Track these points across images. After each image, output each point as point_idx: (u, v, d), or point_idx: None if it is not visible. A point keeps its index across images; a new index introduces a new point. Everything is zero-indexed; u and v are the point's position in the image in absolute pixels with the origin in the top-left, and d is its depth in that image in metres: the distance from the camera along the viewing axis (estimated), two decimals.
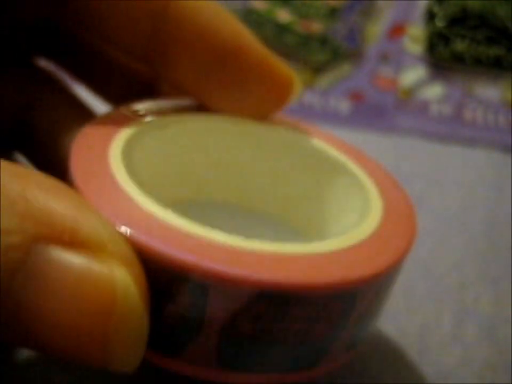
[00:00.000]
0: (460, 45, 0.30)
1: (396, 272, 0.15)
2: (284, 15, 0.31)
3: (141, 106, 0.18)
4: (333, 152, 0.18)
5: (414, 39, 0.31)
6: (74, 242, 0.12)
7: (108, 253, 0.12)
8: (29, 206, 0.12)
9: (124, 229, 0.13)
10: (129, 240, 0.13)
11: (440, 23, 0.30)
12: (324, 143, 0.18)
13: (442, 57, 0.30)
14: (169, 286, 0.13)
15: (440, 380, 0.21)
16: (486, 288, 0.24)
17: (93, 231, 0.12)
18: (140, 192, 0.14)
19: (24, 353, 0.19)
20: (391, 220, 0.16)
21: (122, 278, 0.12)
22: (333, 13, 0.30)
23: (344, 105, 0.30)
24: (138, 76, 0.22)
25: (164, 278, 0.13)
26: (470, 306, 0.23)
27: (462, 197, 0.27)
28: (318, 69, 0.30)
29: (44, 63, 0.21)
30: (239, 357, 0.14)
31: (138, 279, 0.13)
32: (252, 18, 0.31)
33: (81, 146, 0.15)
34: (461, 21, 0.30)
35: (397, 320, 0.23)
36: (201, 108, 0.18)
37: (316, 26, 0.30)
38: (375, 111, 0.30)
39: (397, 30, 0.31)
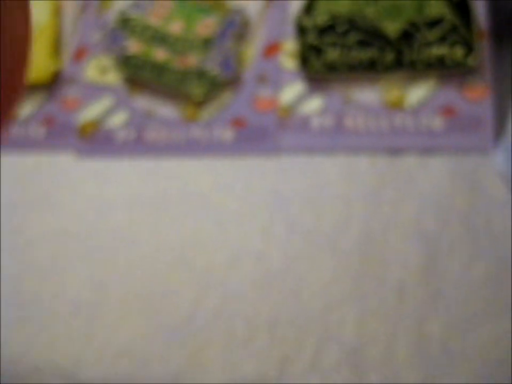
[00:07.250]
0: (331, 54, 0.29)
1: None
2: (160, 55, 0.31)
3: None
4: None
5: (290, 55, 0.30)
6: None
7: None
8: None
9: None
10: None
11: (310, 37, 0.29)
12: None
13: (316, 70, 0.29)
14: None
15: None
16: (351, 307, 0.24)
17: None
18: None
19: None
20: None
21: None
22: (206, 43, 0.31)
23: (227, 134, 0.30)
24: None
25: None
26: (333, 331, 0.23)
27: (337, 214, 0.26)
28: (199, 103, 0.31)
29: None
30: None
31: None
32: (131, 64, 0.31)
33: None
34: (331, 28, 0.29)
35: (258, 354, 0.23)
36: None
37: (192, 60, 0.31)
38: (258, 135, 0.30)
39: (272, 49, 0.30)
